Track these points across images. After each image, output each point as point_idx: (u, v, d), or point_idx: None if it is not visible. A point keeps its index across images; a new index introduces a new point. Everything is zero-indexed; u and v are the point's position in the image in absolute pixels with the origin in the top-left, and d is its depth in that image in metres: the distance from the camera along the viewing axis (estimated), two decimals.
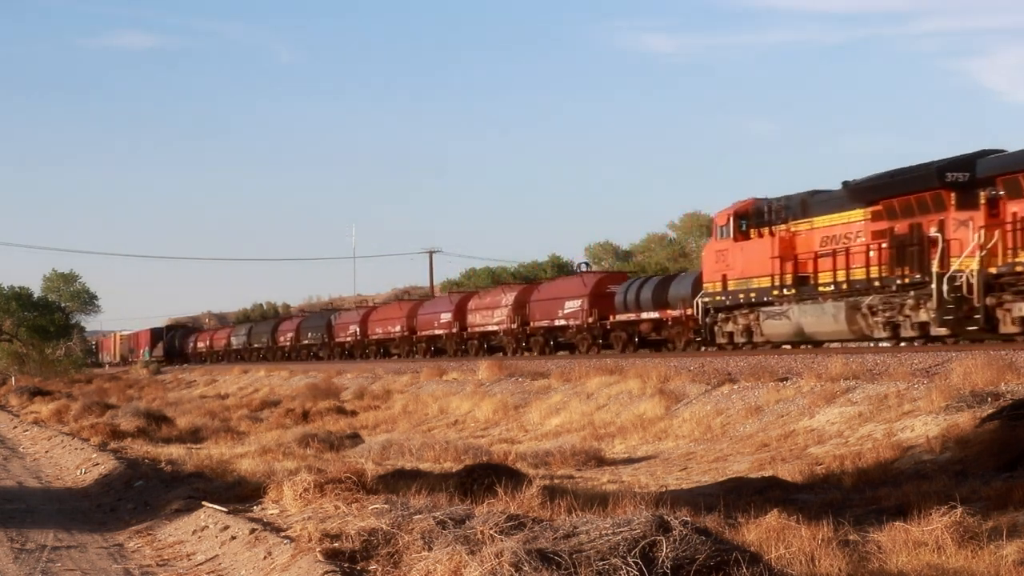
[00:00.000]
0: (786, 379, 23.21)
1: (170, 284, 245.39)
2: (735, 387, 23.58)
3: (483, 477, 13.33)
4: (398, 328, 63.00)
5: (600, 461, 19.85)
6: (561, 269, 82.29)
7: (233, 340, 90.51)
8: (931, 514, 10.06)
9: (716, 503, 12.19)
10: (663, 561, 7.58)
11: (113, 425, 27.22)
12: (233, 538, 11.27)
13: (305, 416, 31.71)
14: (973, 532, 9.91)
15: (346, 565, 9.12)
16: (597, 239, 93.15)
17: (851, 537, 10.33)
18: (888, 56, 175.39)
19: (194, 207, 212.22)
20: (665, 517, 8.01)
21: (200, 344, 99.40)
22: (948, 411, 17.34)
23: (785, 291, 32.33)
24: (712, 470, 17.78)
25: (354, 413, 33.03)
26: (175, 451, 22.36)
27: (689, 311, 38.01)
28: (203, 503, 13.21)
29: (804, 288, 31.69)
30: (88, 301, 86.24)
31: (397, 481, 13.62)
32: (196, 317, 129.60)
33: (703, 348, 37.11)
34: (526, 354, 48.36)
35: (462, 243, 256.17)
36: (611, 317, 43.74)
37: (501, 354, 49.40)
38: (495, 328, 52.32)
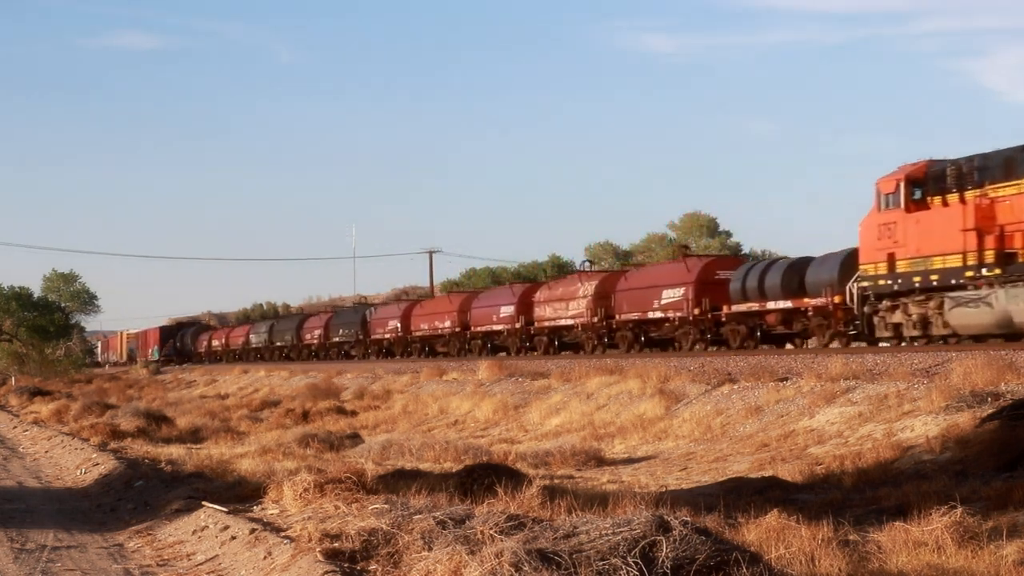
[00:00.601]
0: (786, 379, 23.21)
1: (170, 284, 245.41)
2: (735, 387, 23.59)
3: (483, 477, 13.34)
4: (447, 324, 56.09)
5: (600, 461, 19.86)
6: (561, 269, 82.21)
7: (252, 338, 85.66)
8: (931, 514, 10.06)
9: (716, 503, 12.19)
10: (663, 561, 7.59)
11: (113, 425, 27.23)
12: (233, 538, 11.28)
13: (305, 416, 31.71)
14: (973, 532, 9.91)
15: (346, 565, 9.12)
16: (597, 239, 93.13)
17: (851, 537, 10.33)
18: (888, 56, 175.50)
19: (194, 207, 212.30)
20: (665, 517, 8.01)
21: (215, 342, 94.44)
22: (948, 411, 17.35)
23: (984, 271, 26.32)
24: (712, 470, 17.78)
25: (354, 413, 33.03)
26: (175, 451, 22.37)
27: (837, 298, 31.95)
28: (203, 503, 13.22)
29: (1014, 267, 25.85)
30: (88, 301, 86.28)
31: (397, 481, 13.62)
32: (196, 317, 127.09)
33: (854, 343, 32.04)
34: (610, 351, 42.64)
35: (462, 243, 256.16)
36: (724, 308, 37.43)
37: (579, 352, 44.60)
38: (570, 322, 45.89)
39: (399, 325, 61.34)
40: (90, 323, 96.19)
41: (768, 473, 16.04)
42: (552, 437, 24.10)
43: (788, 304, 34.56)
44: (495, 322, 51.78)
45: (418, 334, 59.43)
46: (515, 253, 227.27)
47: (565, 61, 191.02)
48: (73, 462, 21.09)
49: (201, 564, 10.88)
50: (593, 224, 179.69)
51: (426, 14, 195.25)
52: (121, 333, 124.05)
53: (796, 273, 34.98)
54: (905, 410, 18.40)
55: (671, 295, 40.17)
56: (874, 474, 14.94)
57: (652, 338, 41.77)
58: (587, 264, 55.35)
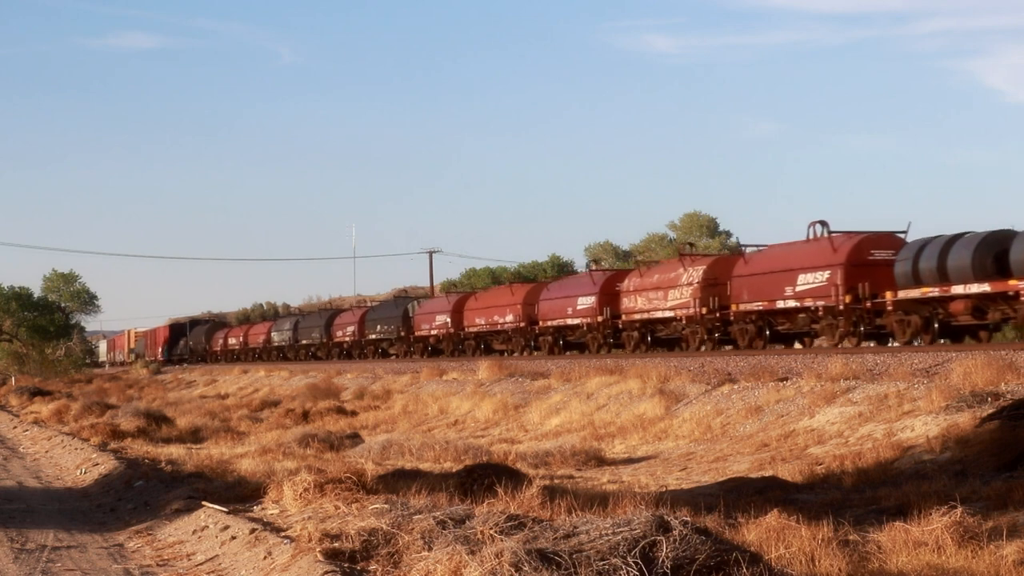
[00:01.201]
0: (786, 379, 23.21)
1: (170, 284, 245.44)
2: (735, 387, 23.59)
3: (483, 477, 13.34)
4: (510, 318, 49.86)
5: (600, 461, 19.86)
6: (561, 269, 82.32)
7: (274, 336, 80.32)
8: (931, 514, 10.05)
9: (716, 503, 12.19)
10: (663, 561, 7.59)
11: (113, 425, 27.23)
12: (233, 538, 11.28)
13: (305, 416, 31.71)
14: (973, 532, 9.91)
15: (346, 565, 9.12)
16: (597, 239, 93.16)
17: (851, 537, 10.33)
18: (889, 57, 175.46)
19: (194, 207, 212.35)
20: (665, 517, 8.01)
21: (232, 340, 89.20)
22: (948, 411, 17.35)
23: None
24: (712, 470, 17.78)
25: (354, 413, 33.03)
26: (175, 451, 22.38)
27: None
28: (203, 503, 13.22)
29: None
30: (88, 301, 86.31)
31: (397, 481, 13.62)
32: (195, 317, 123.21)
33: None
34: (724, 349, 37.42)
35: (462, 243, 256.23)
36: (887, 295, 31.23)
37: (676, 349, 40.02)
38: (668, 314, 39.49)
39: (449, 320, 55.20)
40: (90, 323, 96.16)
41: (768, 473, 16.04)
42: (552, 437, 24.10)
43: (985, 288, 28.21)
44: (570, 315, 45.60)
45: (473, 330, 53.11)
46: (515, 253, 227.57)
47: (565, 61, 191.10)
48: (73, 462, 21.10)
49: (201, 564, 10.88)
50: (593, 224, 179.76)
51: (426, 14, 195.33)
52: (128, 332, 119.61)
53: (994, 249, 28.65)
54: (905, 410, 18.40)
55: (810, 280, 33.64)
56: (874, 474, 14.94)
57: (780, 332, 35.86)
58: (687, 247, 47.68)
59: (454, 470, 15.97)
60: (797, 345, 36.31)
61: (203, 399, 47.05)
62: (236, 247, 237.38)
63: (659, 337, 41.18)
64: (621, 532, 7.85)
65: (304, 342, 74.34)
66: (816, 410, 20.12)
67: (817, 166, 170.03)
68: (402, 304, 63.94)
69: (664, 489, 14.73)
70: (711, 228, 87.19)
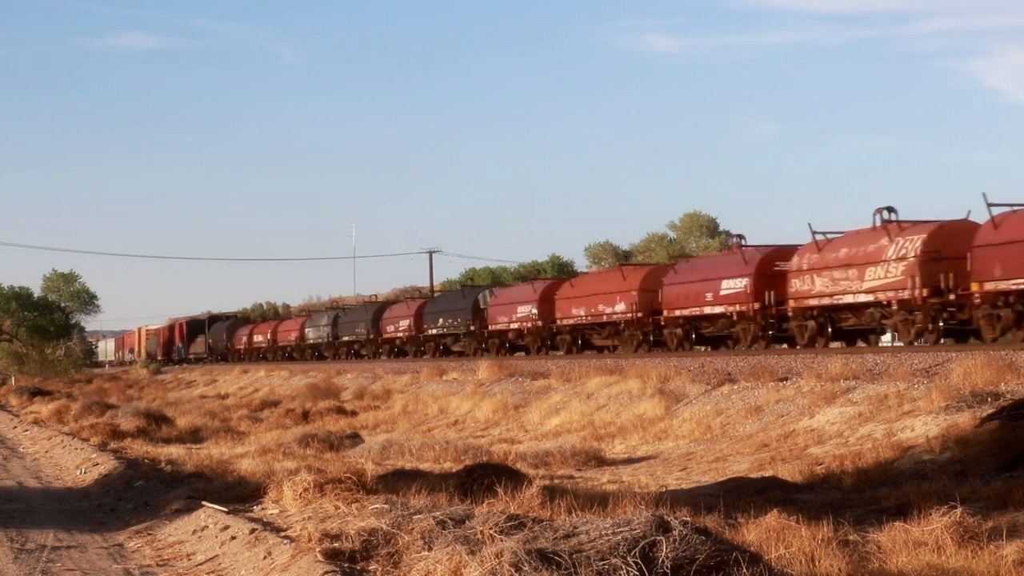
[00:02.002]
0: (786, 379, 23.21)
1: (170, 284, 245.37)
2: (735, 387, 23.59)
3: (483, 477, 13.34)
4: (620, 307, 40.79)
5: (600, 461, 19.86)
6: (561, 269, 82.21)
7: (308, 332, 72.81)
8: (931, 514, 10.05)
9: (716, 503, 12.19)
10: (663, 561, 7.58)
11: (113, 425, 27.24)
12: (233, 538, 11.28)
13: (305, 416, 31.72)
14: (973, 532, 9.91)
15: (346, 565, 9.12)
16: (597, 239, 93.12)
17: (851, 537, 10.33)
18: (889, 57, 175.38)
19: (194, 207, 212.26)
20: (665, 517, 8.01)
21: (258, 338, 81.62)
22: (948, 411, 17.35)
23: None
24: (712, 470, 17.78)
25: (354, 413, 33.03)
26: (175, 451, 22.38)
27: None
28: (203, 503, 13.22)
29: None
30: (88, 301, 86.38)
31: (397, 481, 13.62)
32: (215, 313, 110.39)
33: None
34: (949, 345, 27.52)
35: (462, 243, 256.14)
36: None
37: (868, 341, 32.97)
38: (865, 298, 30.68)
39: (535, 311, 46.36)
40: (90, 323, 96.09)
41: (768, 473, 16.04)
42: (552, 437, 24.10)
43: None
44: (708, 302, 36.77)
45: (568, 322, 44.13)
46: (515, 253, 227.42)
47: (565, 61, 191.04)
48: (73, 462, 21.10)
49: (201, 564, 10.88)
50: (593, 224, 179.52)
51: (426, 14, 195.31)
52: (139, 329, 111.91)
53: None
54: (905, 410, 18.40)
55: None
56: (874, 474, 14.94)
57: None
58: (886, 212, 31.92)
59: (454, 470, 15.98)
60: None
61: (203, 399, 47.06)
62: (236, 247, 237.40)
63: (847, 328, 32.26)
64: (621, 532, 7.85)
65: (346, 339, 66.47)
66: (816, 410, 20.12)
67: (817, 166, 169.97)
68: (471, 295, 54.36)
69: (664, 489, 14.73)
70: (711, 228, 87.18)
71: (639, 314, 40.11)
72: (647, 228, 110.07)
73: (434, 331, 55.96)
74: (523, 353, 47.47)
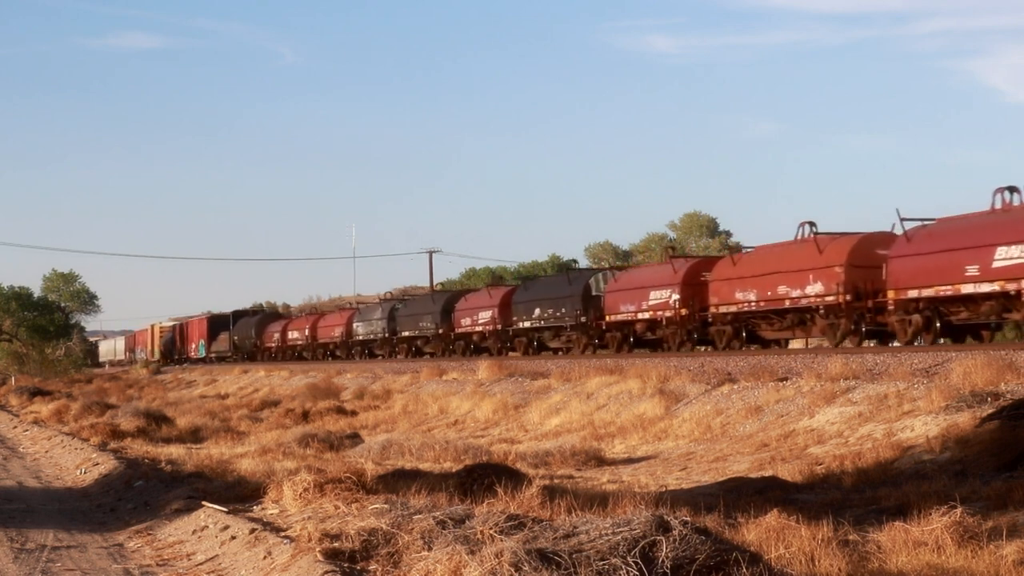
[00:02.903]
0: (786, 379, 23.21)
1: (170, 284, 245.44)
2: (735, 387, 23.59)
3: (483, 477, 13.34)
4: (817, 288, 32.43)
5: (600, 461, 19.86)
6: (562, 269, 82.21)
7: (358, 327, 63.93)
8: (931, 514, 10.05)
9: (716, 503, 12.19)
10: (663, 561, 7.58)
11: (113, 425, 27.25)
12: (233, 538, 11.28)
13: (305, 416, 31.72)
14: (973, 532, 9.91)
15: (346, 565, 9.12)
16: (597, 239, 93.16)
17: (851, 537, 10.33)
18: (889, 57, 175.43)
19: (194, 207, 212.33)
20: (665, 517, 8.01)
21: (293, 334, 73.12)
22: (948, 411, 17.35)
23: None
24: (712, 470, 17.78)
25: (354, 413, 33.03)
26: (175, 451, 22.38)
27: None
28: (203, 503, 13.22)
29: None
30: (88, 301, 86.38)
31: (397, 481, 13.62)
32: (240, 308, 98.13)
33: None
34: None
35: (462, 243, 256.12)
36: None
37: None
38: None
39: (675, 297, 37.37)
40: (90, 323, 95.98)
41: (768, 473, 16.04)
42: (552, 437, 24.10)
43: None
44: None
45: (728, 310, 35.54)
46: (515, 253, 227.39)
47: (565, 61, 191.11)
48: (73, 462, 21.10)
49: (201, 564, 10.87)
50: (593, 224, 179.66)
51: (426, 14, 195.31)
52: (153, 327, 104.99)
53: None
54: (905, 410, 18.40)
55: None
56: (874, 474, 14.94)
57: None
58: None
59: (454, 470, 15.97)
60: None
61: (203, 399, 47.05)
62: (236, 247, 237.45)
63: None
64: (621, 532, 7.85)
65: (406, 334, 57.25)
66: (816, 410, 20.12)
67: (817, 166, 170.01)
68: (581, 279, 44.57)
69: (664, 489, 14.73)
70: (711, 228, 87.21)
71: (849, 297, 31.52)
72: (647, 228, 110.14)
73: (527, 323, 46.52)
74: (649, 349, 39.74)
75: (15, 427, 32.90)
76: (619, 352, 39.20)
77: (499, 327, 48.49)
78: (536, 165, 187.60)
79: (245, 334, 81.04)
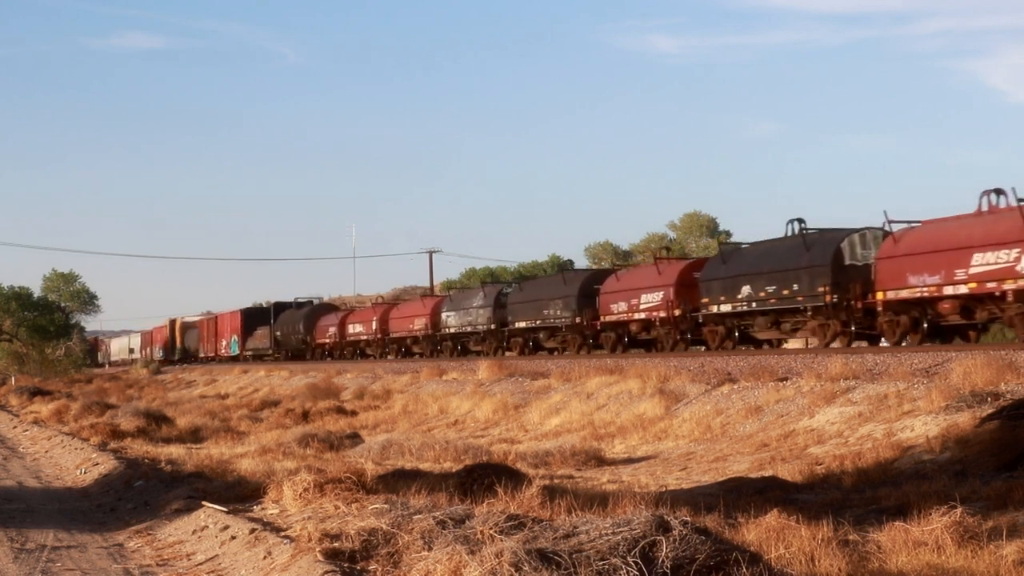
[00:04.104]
0: (786, 379, 23.21)
1: (170, 284, 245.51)
2: (735, 387, 23.58)
3: (483, 477, 13.34)
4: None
5: (600, 461, 19.86)
6: (562, 269, 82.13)
7: (449, 318, 52.83)
8: (931, 514, 10.05)
9: (716, 503, 12.19)
10: (663, 561, 7.58)
11: (113, 425, 27.25)
12: (233, 538, 11.27)
13: (305, 416, 31.72)
14: (973, 532, 9.91)
15: (346, 565, 9.12)
16: (597, 239, 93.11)
17: (851, 537, 10.33)
18: (889, 57, 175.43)
19: (194, 207, 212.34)
20: (665, 517, 8.01)
21: (356, 328, 63.00)
22: (948, 411, 17.35)
23: None
24: (712, 470, 17.78)
25: (354, 413, 33.03)
26: (175, 451, 22.38)
27: None
28: (203, 503, 13.21)
29: None
30: (88, 301, 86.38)
31: (397, 481, 13.62)
32: (283, 300, 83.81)
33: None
34: None
35: (462, 243, 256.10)
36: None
37: None
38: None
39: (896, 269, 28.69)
40: (90, 323, 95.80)
41: (768, 473, 16.04)
42: (552, 437, 24.09)
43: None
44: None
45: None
46: (515, 253, 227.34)
47: (566, 61, 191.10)
48: (73, 462, 21.10)
49: (201, 564, 10.87)
50: (593, 224, 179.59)
51: (426, 14, 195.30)
52: (174, 321, 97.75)
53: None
54: (905, 410, 18.40)
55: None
56: (874, 474, 14.94)
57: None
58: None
59: (454, 470, 15.97)
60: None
61: (203, 399, 47.05)
62: (236, 247, 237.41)
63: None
64: (621, 532, 7.85)
65: (522, 324, 46.24)
66: (816, 410, 20.11)
67: (817, 166, 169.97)
68: (828, 242, 32.38)
69: (664, 489, 14.73)
70: (711, 228, 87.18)
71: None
72: (647, 228, 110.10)
73: (725, 307, 34.84)
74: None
75: (15, 427, 32.89)
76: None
77: (670, 313, 37.42)
78: (536, 165, 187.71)
79: (291, 329, 71.72)
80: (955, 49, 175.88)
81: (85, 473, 19.20)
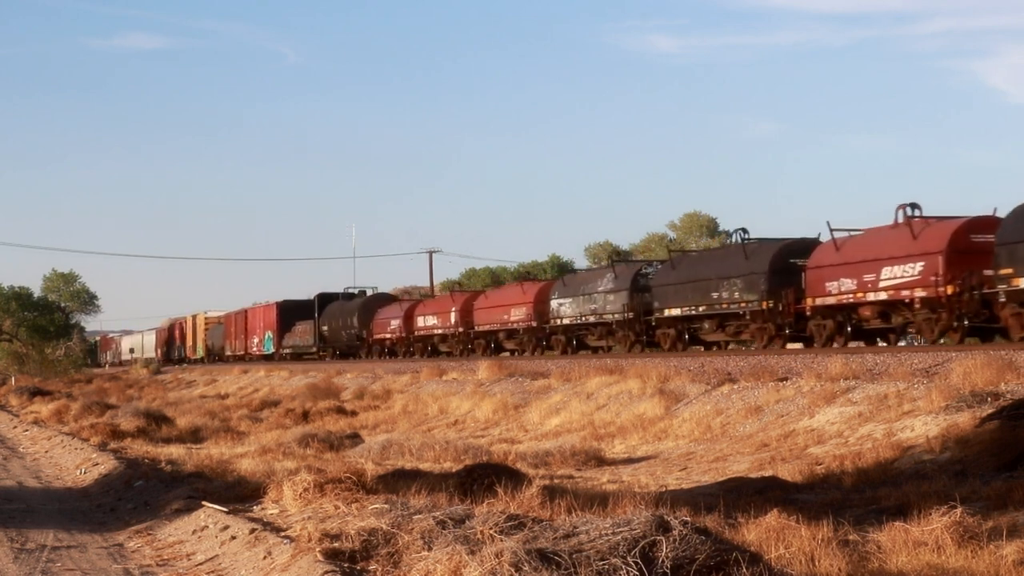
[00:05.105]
0: (786, 379, 23.21)
1: (170, 284, 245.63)
2: (735, 387, 23.59)
3: (483, 477, 13.34)
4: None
5: (600, 461, 19.86)
6: (562, 269, 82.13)
7: (562, 306, 43.36)
8: (931, 514, 10.05)
9: (716, 503, 12.19)
10: (663, 561, 7.58)
11: (113, 425, 27.25)
12: (233, 538, 11.27)
13: (305, 416, 31.72)
14: (973, 532, 9.90)
15: (346, 565, 9.12)
16: (597, 239, 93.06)
17: (851, 537, 10.33)
18: (890, 57, 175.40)
19: (194, 207, 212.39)
20: (665, 517, 8.01)
21: (426, 320, 54.68)
22: (948, 411, 17.35)
23: None
24: (712, 470, 17.78)
25: (354, 413, 33.03)
26: (175, 451, 22.38)
27: None
28: (203, 503, 13.21)
29: None
30: (88, 301, 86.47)
31: (397, 481, 13.62)
32: (328, 292, 73.44)
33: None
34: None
35: (462, 243, 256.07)
36: None
37: None
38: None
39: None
40: (90, 323, 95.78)
41: (768, 473, 16.04)
42: (552, 437, 24.09)
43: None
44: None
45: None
46: (515, 253, 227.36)
47: (566, 61, 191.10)
48: (73, 462, 21.10)
49: (201, 564, 10.87)
50: (593, 224, 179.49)
51: (426, 14, 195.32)
52: (194, 317, 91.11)
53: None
54: (905, 410, 18.40)
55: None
56: (874, 474, 14.94)
57: None
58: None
59: (454, 470, 15.97)
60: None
61: (203, 399, 47.05)
62: (236, 247, 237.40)
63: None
64: (621, 532, 7.85)
65: (672, 312, 36.75)
66: (816, 410, 20.11)
67: (817, 166, 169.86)
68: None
69: (664, 489, 14.73)
70: (711, 228, 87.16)
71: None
72: (647, 228, 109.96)
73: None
74: None
75: (15, 427, 32.90)
76: None
77: (950, 289, 27.62)
78: (536, 165, 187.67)
79: (341, 323, 63.70)
80: (955, 49, 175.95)
81: (85, 473, 19.20)
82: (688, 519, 8.09)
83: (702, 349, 36.76)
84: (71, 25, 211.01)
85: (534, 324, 45.70)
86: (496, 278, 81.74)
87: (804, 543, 9.38)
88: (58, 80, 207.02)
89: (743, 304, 34.21)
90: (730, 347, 36.66)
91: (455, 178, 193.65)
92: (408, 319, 56.94)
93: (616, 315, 40.32)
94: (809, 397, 20.84)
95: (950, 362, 21.05)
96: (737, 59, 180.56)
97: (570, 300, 43.57)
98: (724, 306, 35.09)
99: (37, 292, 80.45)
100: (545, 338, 45.58)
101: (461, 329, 51.51)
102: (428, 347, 55.13)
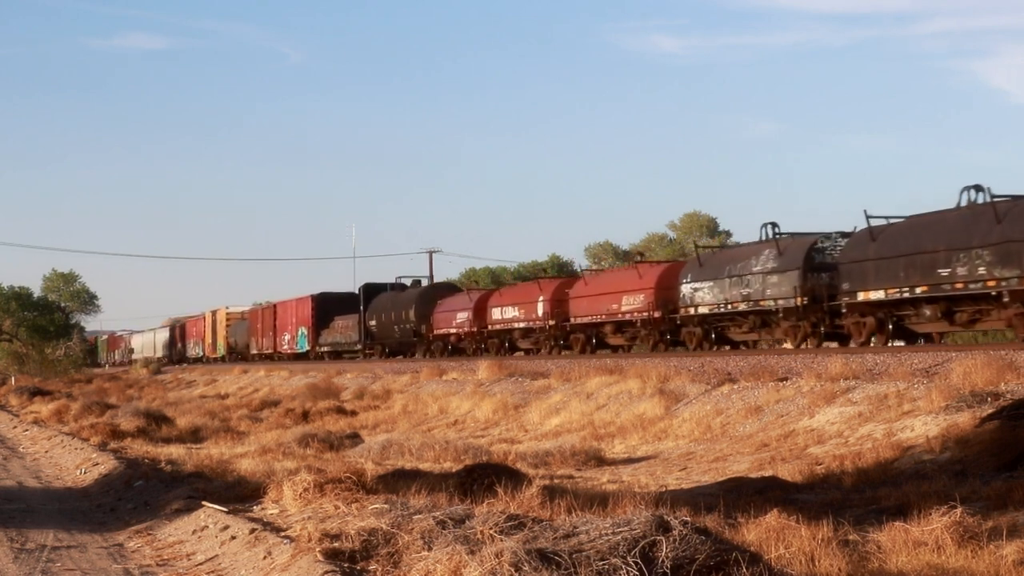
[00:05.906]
0: (786, 379, 23.20)
1: (170, 284, 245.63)
2: (735, 387, 23.58)
3: (483, 477, 13.34)
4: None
5: (600, 461, 19.85)
6: (562, 269, 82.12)
7: (697, 292, 36.13)
8: (931, 514, 10.05)
9: (716, 503, 12.18)
10: (663, 561, 7.58)
11: (113, 425, 27.25)
12: (233, 538, 11.27)
13: (305, 416, 31.71)
14: (973, 532, 9.90)
15: (346, 565, 9.12)
16: (597, 239, 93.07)
17: (851, 537, 10.33)
18: (891, 57, 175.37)
19: (194, 207, 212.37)
20: (665, 517, 8.01)
21: (504, 312, 47.43)
22: (948, 411, 17.34)
23: None
24: (712, 470, 17.77)
25: (354, 413, 33.02)
26: (175, 451, 22.37)
27: None
28: (203, 503, 13.21)
29: None
30: (88, 301, 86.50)
31: (397, 481, 13.62)
32: (375, 283, 64.10)
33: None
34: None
35: (462, 243, 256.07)
36: None
37: None
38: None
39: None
40: (90, 323, 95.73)
41: (768, 473, 16.03)
42: (552, 437, 24.09)
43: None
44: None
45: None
46: (515, 253, 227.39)
47: (566, 61, 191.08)
48: (73, 462, 21.10)
49: (201, 564, 10.87)
50: (593, 224, 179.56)
51: (426, 14, 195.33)
52: (215, 312, 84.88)
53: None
54: (905, 410, 18.39)
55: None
56: (874, 474, 14.94)
57: None
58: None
59: (454, 470, 15.97)
60: None
61: (203, 399, 47.04)
62: (236, 247, 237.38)
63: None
64: (621, 532, 7.84)
65: (875, 295, 29.33)
66: (816, 410, 20.11)
67: (817, 166, 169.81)
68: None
69: (664, 489, 14.73)
70: (711, 228, 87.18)
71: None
72: (647, 228, 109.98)
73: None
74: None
75: (15, 427, 32.90)
76: None
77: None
78: (536, 165, 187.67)
79: (394, 316, 56.14)
80: (956, 49, 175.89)
81: (85, 473, 19.20)
82: (688, 519, 8.09)
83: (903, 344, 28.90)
84: (71, 25, 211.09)
85: (656, 315, 38.23)
86: (496, 278, 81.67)
87: (804, 543, 9.38)
88: (58, 80, 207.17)
89: (990, 280, 25.57)
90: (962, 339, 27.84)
91: (455, 178, 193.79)
92: (479, 311, 49.11)
93: (777, 301, 32.82)
94: (809, 397, 20.84)
95: (950, 362, 21.05)
96: (737, 59, 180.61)
97: (710, 284, 35.71)
98: (954, 286, 26.75)
99: (37, 292, 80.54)
100: (671, 331, 38.64)
101: (552, 322, 44.59)
102: (505, 343, 47.69)
